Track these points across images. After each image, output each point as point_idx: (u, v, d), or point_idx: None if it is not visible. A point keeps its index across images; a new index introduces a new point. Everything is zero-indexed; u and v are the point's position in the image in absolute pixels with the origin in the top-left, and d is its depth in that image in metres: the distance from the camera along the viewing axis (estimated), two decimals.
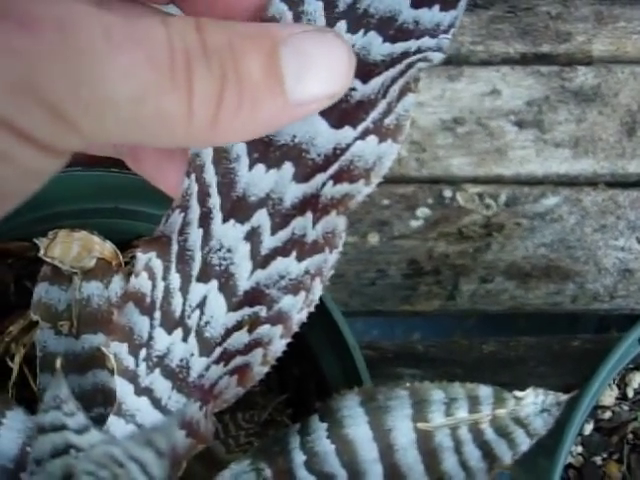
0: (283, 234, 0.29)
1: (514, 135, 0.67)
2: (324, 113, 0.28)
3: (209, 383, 0.30)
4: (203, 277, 0.30)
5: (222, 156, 0.29)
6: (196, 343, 0.30)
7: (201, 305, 0.30)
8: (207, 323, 0.30)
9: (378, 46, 0.28)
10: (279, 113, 0.25)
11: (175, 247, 0.30)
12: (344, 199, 0.28)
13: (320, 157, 0.28)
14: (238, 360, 0.30)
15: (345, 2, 0.28)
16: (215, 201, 0.30)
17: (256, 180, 0.29)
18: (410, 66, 0.28)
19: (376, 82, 0.28)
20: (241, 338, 0.30)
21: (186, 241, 0.30)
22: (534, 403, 0.33)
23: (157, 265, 0.31)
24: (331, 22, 0.28)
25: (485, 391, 0.33)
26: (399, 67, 0.28)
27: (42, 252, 0.39)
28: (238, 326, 0.30)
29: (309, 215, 0.29)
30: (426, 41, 0.28)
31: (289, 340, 0.29)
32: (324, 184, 0.28)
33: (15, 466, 0.37)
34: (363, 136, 0.28)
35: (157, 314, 0.31)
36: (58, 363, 0.33)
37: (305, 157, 0.28)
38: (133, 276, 0.31)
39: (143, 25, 0.23)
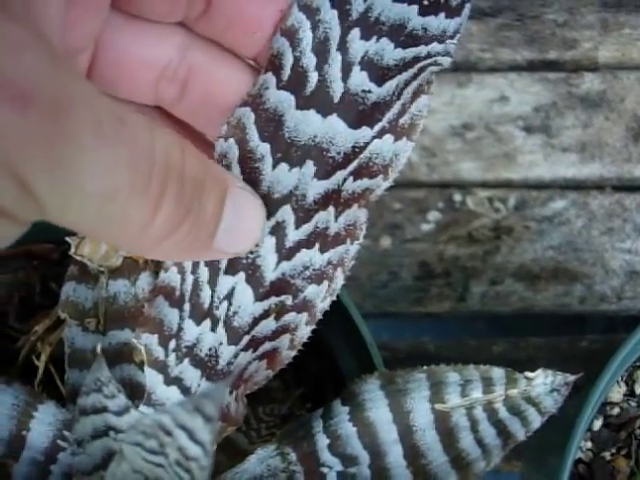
0: (307, 227, 0.30)
1: (522, 140, 0.67)
2: (342, 115, 0.30)
3: (238, 369, 0.31)
4: (230, 270, 0.31)
5: (247, 156, 0.30)
6: (224, 332, 0.31)
7: (229, 296, 0.31)
8: (235, 313, 0.31)
9: (390, 51, 0.29)
10: (204, 253, 0.28)
11: None
12: (365, 193, 0.30)
13: (340, 155, 0.30)
14: (267, 345, 0.31)
15: (358, 11, 0.29)
16: None
17: (280, 178, 0.30)
18: (422, 70, 0.29)
19: (390, 85, 0.30)
20: (269, 325, 0.31)
21: None
22: (544, 383, 0.34)
23: None
24: (345, 30, 0.29)
25: (498, 373, 0.34)
26: (411, 71, 0.29)
27: (72, 250, 0.40)
28: (265, 314, 0.31)
29: (331, 209, 0.30)
30: (435, 46, 0.29)
31: (314, 326, 0.30)
32: (345, 180, 0.30)
33: (45, 458, 0.38)
34: (380, 135, 0.30)
35: (186, 306, 0.32)
36: (99, 348, 0.34)
37: (326, 155, 0.30)
38: (162, 271, 0.32)
39: (131, 125, 0.23)
